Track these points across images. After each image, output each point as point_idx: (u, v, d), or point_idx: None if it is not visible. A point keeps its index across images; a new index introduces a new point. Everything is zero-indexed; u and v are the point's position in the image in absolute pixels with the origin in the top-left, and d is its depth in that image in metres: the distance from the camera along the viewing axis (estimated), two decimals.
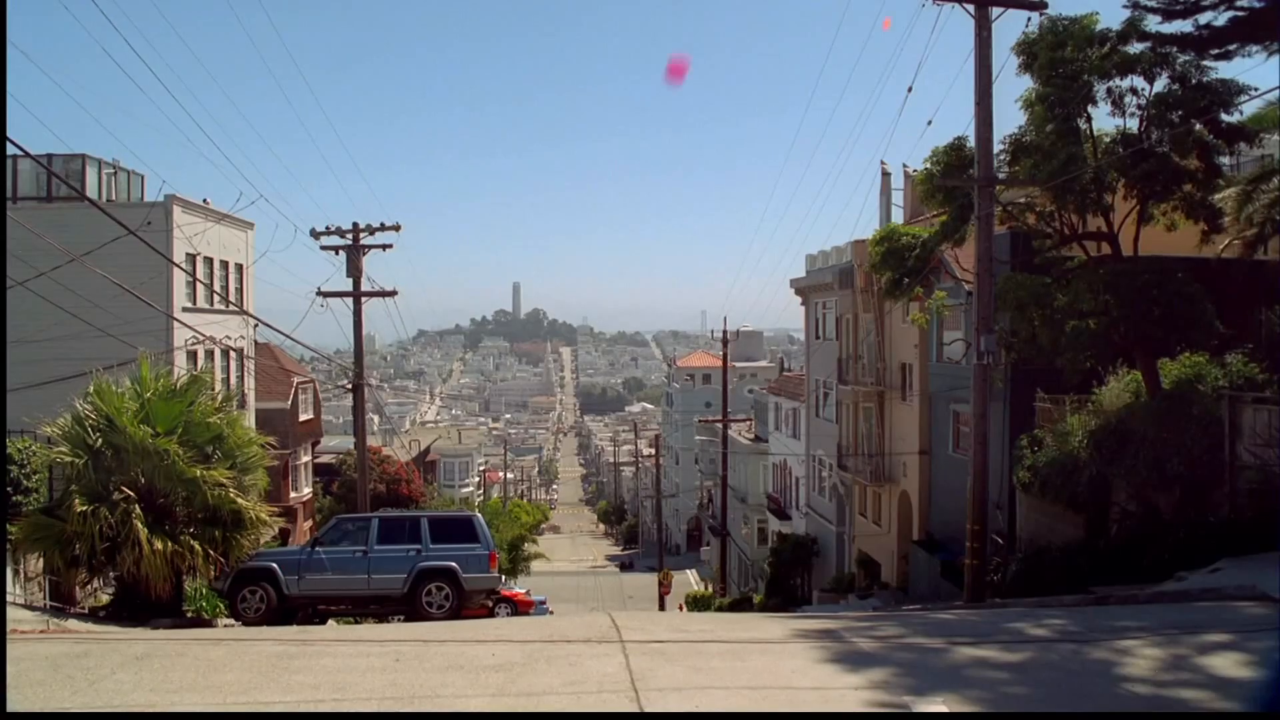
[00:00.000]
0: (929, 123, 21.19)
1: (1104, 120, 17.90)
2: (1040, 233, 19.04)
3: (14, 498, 16.34)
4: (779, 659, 9.24)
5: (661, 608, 42.73)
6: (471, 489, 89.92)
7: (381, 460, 46.54)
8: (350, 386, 28.11)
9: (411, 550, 17.64)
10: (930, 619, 14.38)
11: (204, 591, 17.49)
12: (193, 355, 29.36)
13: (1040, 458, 18.57)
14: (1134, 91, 17.25)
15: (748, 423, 57.92)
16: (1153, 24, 16.90)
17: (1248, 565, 13.22)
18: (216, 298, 31.93)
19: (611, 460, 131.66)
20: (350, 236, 27.02)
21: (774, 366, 74.30)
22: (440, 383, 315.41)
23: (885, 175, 36.36)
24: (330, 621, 18.17)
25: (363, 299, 27.15)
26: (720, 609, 38.13)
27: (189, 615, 16.48)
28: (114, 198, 31.33)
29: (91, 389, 15.23)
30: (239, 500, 15.63)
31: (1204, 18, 16.56)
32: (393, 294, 27.58)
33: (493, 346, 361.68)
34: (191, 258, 29.67)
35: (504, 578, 27.83)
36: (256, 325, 32.02)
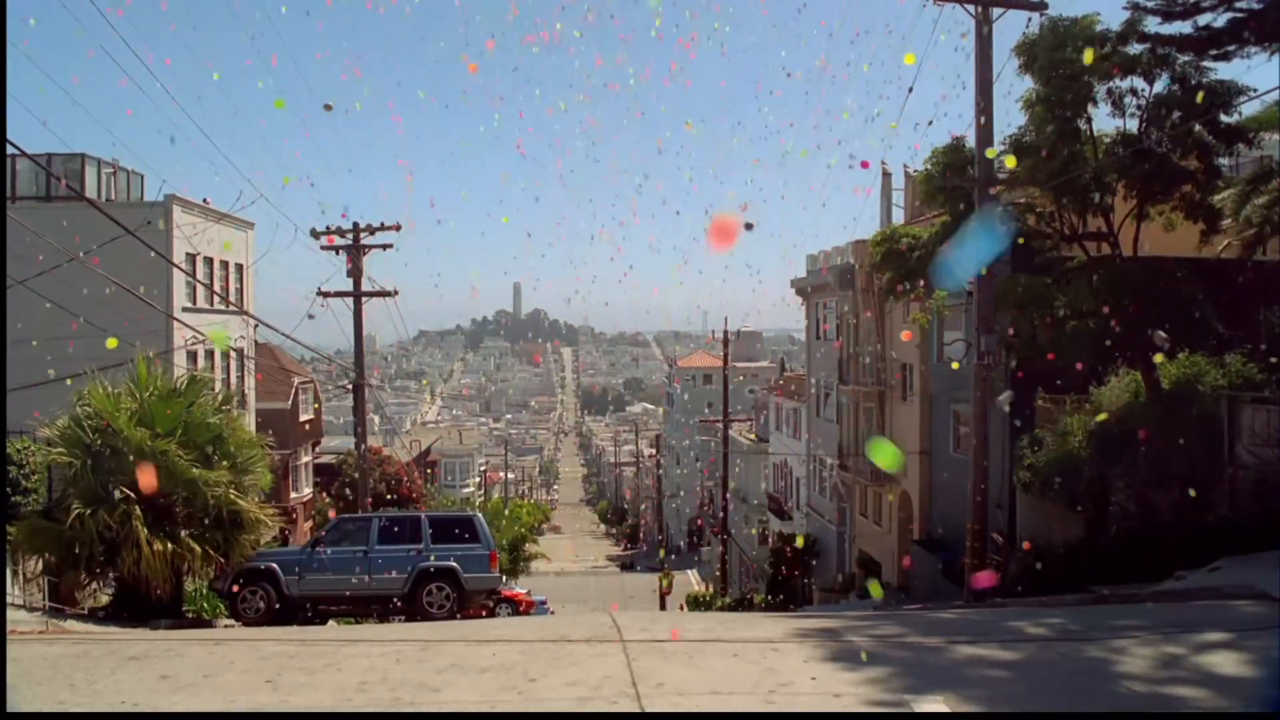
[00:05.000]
0: (930, 123, 21.28)
1: (1104, 121, 17.94)
2: (1040, 233, 19.05)
3: (13, 499, 16.35)
4: (779, 658, 9.24)
5: (662, 608, 42.70)
6: (472, 489, 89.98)
7: (382, 460, 46.53)
8: (350, 387, 28.13)
9: (412, 550, 17.65)
10: (930, 618, 14.38)
11: (204, 592, 17.50)
12: (193, 355, 29.38)
13: (1040, 458, 18.57)
14: (1134, 92, 17.27)
15: (748, 423, 57.91)
16: (1152, 25, 16.94)
17: (1247, 564, 13.23)
18: (216, 298, 31.94)
19: (612, 460, 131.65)
20: (350, 236, 27.04)
21: (774, 367, 74.28)
22: (441, 383, 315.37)
23: (886, 176, 36.30)
24: (330, 622, 18.18)
25: (363, 299, 27.18)
26: (721, 609, 38.12)
27: (189, 616, 16.49)
28: (114, 197, 31.36)
29: (86, 390, 15.23)
30: (239, 501, 15.62)
31: (1203, 19, 16.60)
32: (393, 294, 27.61)
33: (494, 347, 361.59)
34: (191, 257, 29.69)
35: (505, 578, 27.82)
36: (256, 325, 32.05)
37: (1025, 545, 18.78)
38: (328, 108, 24.91)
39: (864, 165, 23.09)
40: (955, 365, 21.50)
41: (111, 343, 14.36)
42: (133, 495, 14.48)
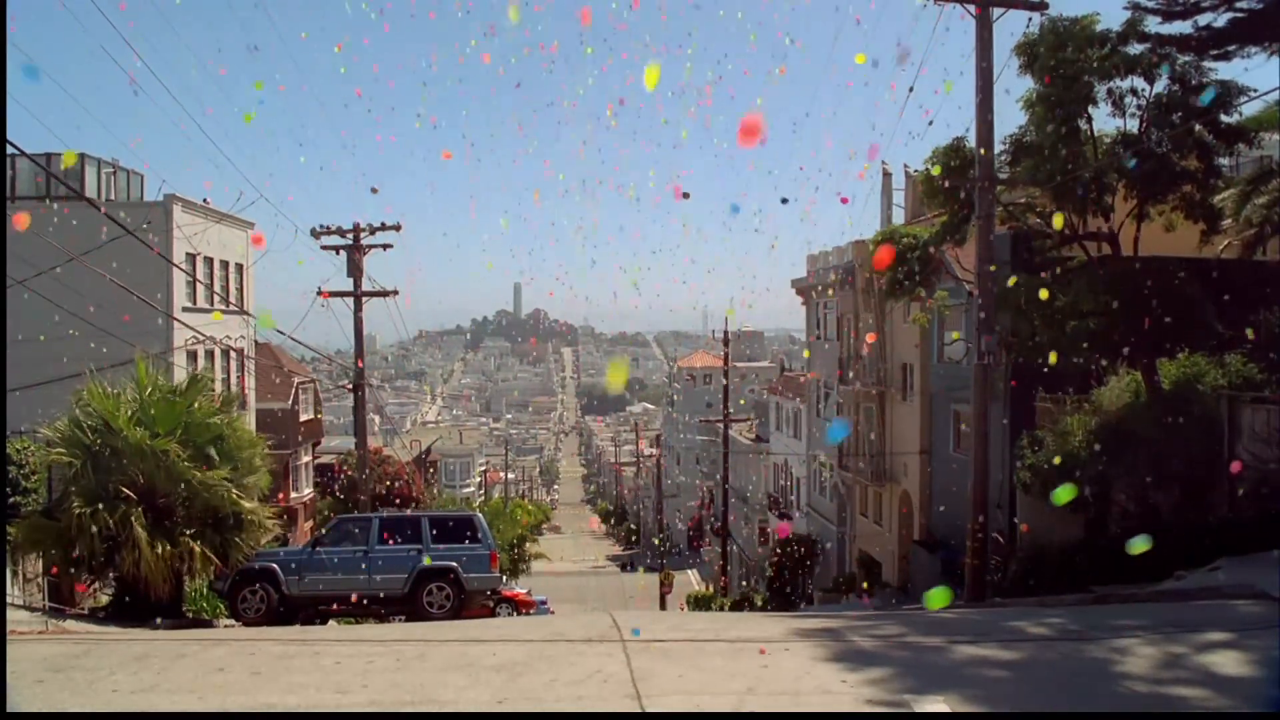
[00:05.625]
0: (930, 123, 21.29)
1: (1104, 121, 17.93)
2: (1041, 233, 19.04)
3: (13, 498, 16.33)
4: (780, 658, 9.24)
5: (663, 607, 42.71)
6: (473, 489, 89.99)
7: (382, 460, 46.50)
8: (351, 387, 28.12)
9: (412, 550, 17.64)
10: (930, 618, 14.36)
11: (204, 592, 17.49)
12: (193, 355, 29.37)
13: (1040, 458, 18.55)
14: (1134, 92, 17.27)
15: (749, 423, 57.90)
16: (1152, 25, 16.94)
17: (1246, 564, 13.23)
18: (217, 297, 31.94)
19: (612, 460, 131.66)
20: (350, 236, 27.04)
21: (775, 367, 74.29)
22: (441, 383, 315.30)
23: (886, 176, 36.33)
24: (331, 622, 18.18)
25: (363, 299, 27.18)
26: (722, 609, 38.11)
27: (189, 616, 16.49)
28: (114, 197, 31.34)
29: (84, 390, 15.23)
30: (239, 502, 15.62)
31: (1203, 19, 16.60)
32: (393, 294, 27.60)
33: (494, 347, 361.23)
34: (191, 257, 29.68)
35: (505, 578, 27.81)
36: (257, 325, 32.04)
37: (1024, 528, 18.76)
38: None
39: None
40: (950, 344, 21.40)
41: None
42: (133, 495, 14.49)
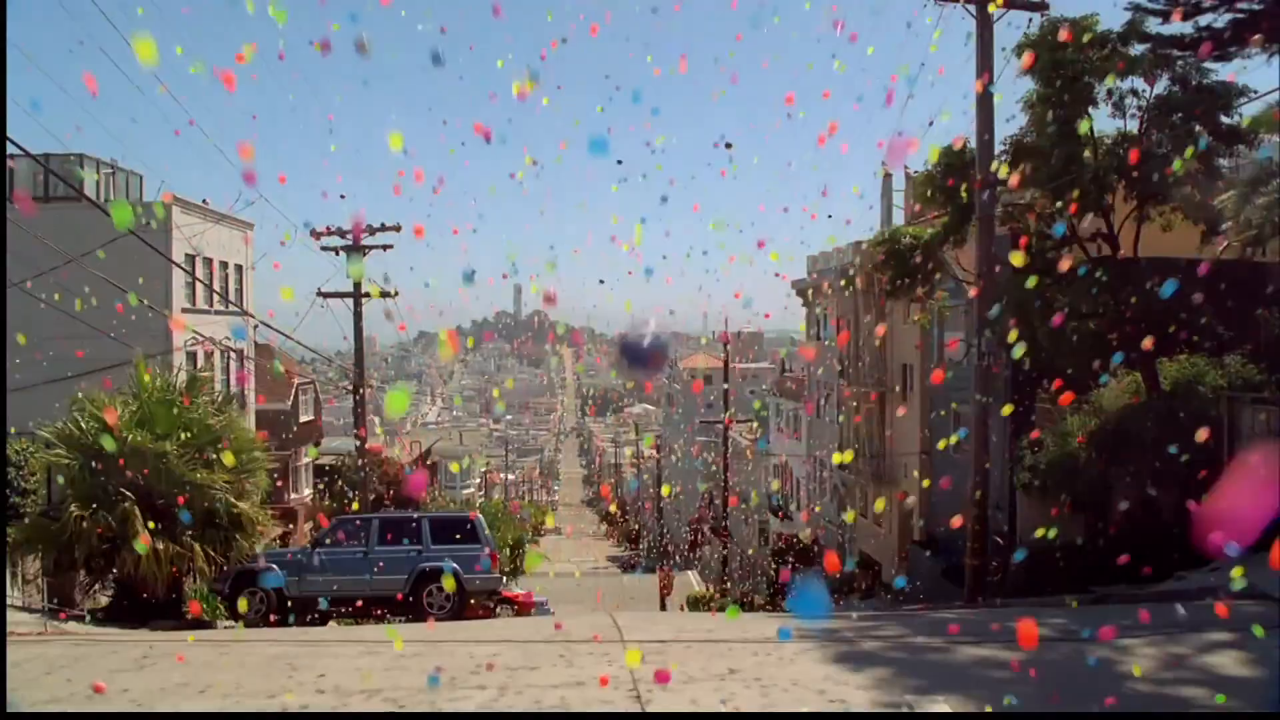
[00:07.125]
0: (930, 123, 21.24)
1: (1104, 121, 17.91)
2: (1041, 233, 18.99)
3: (12, 500, 16.32)
4: (781, 658, 9.23)
5: (663, 608, 42.64)
6: (473, 490, 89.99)
7: (381, 462, 46.43)
8: (351, 388, 28.09)
9: (412, 551, 17.63)
10: (931, 619, 14.36)
11: (204, 592, 17.48)
12: (192, 356, 29.34)
13: (1040, 458, 18.52)
14: (1134, 93, 17.25)
15: (749, 423, 57.87)
16: (1153, 26, 16.93)
17: (1247, 565, 13.19)
18: (216, 298, 31.91)
19: (613, 461, 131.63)
20: (350, 237, 27.01)
21: (775, 367, 74.25)
22: (441, 384, 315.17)
23: (887, 176, 36.29)
24: (331, 622, 18.16)
25: (363, 300, 27.14)
26: (721, 609, 38.06)
27: (189, 617, 16.47)
28: (113, 198, 31.30)
29: (79, 394, 15.24)
30: (238, 503, 15.61)
31: (1204, 20, 16.59)
32: (393, 295, 27.56)
33: (494, 348, 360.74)
34: (191, 258, 29.64)
35: (505, 578, 27.80)
36: (256, 326, 32.02)
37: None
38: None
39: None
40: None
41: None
42: (132, 497, 14.48)
